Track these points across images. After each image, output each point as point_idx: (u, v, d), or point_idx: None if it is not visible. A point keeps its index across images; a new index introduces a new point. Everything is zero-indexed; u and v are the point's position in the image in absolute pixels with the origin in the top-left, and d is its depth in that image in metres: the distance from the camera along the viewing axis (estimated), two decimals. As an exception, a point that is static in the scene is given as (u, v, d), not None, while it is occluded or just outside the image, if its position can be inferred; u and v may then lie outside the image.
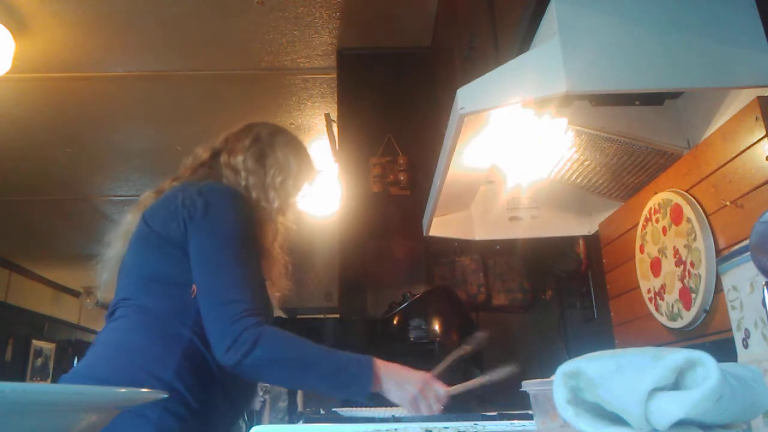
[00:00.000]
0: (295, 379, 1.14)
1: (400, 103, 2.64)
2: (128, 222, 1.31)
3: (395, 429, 0.90)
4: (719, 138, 1.08)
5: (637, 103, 1.23)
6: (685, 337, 1.20)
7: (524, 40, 1.18)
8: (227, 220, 1.19)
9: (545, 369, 0.73)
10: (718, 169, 1.08)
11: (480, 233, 1.71)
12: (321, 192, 2.96)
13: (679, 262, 1.19)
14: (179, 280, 1.16)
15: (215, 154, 1.38)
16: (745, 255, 0.89)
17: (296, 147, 1.44)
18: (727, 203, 1.05)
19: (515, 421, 0.98)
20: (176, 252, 1.17)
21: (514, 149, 1.38)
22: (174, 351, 1.11)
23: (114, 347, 1.14)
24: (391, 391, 1.11)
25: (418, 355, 1.77)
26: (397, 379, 1.11)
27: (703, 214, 1.12)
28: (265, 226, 1.33)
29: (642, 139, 1.23)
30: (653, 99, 1.23)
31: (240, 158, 1.35)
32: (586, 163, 1.36)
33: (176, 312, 1.14)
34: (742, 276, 0.92)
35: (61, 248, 5.80)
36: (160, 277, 1.18)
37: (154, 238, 1.19)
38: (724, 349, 0.97)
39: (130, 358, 1.11)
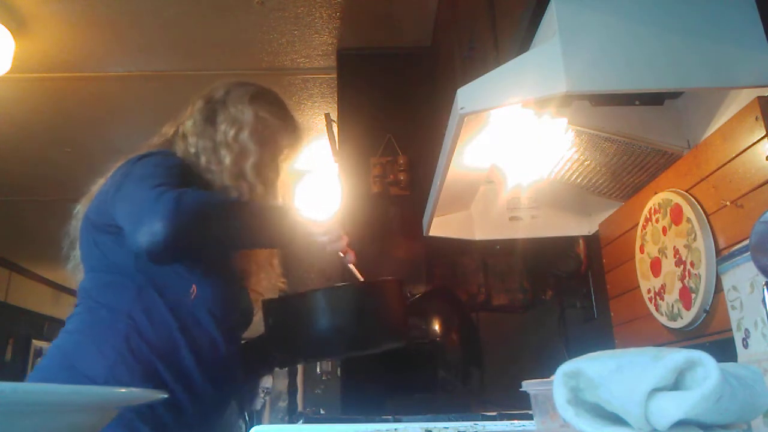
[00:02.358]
0: (225, 221, 1.05)
1: (400, 103, 2.64)
2: (78, 214, 1.23)
3: (395, 429, 0.90)
4: (719, 138, 1.08)
5: (637, 103, 1.23)
6: (685, 337, 1.20)
7: (524, 40, 1.18)
8: (145, 166, 1.09)
9: (545, 369, 0.73)
10: (718, 169, 1.08)
11: (480, 233, 1.71)
12: (321, 192, 2.96)
13: (679, 262, 1.19)
14: (112, 269, 1.08)
15: (178, 128, 1.26)
16: (745, 255, 0.89)
17: (256, 97, 1.24)
18: (727, 203, 1.05)
19: (515, 421, 0.98)
20: (107, 239, 1.09)
21: (514, 149, 1.38)
22: (108, 348, 1.02)
23: (57, 350, 1.09)
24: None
25: (417, 354, 1.77)
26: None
27: (703, 214, 1.12)
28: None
29: (642, 139, 1.23)
30: (653, 99, 1.23)
31: (189, 123, 1.22)
32: (586, 163, 1.36)
33: (113, 304, 1.07)
34: (742, 276, 0.92)
35: (61, 248, 5.79)
36: (99, 267, 1.11)
37: (89, 226, 1.13)
38: (724, 349, 0.97)
39: (67, 360, 1.05)
